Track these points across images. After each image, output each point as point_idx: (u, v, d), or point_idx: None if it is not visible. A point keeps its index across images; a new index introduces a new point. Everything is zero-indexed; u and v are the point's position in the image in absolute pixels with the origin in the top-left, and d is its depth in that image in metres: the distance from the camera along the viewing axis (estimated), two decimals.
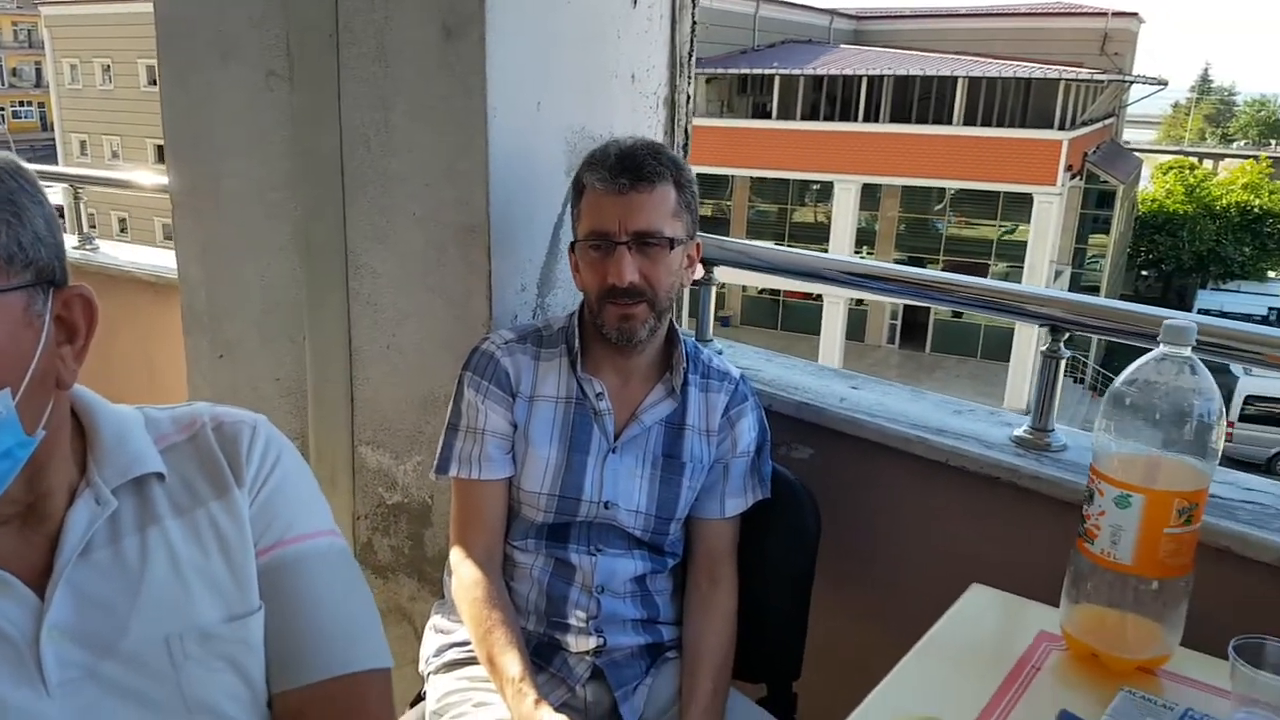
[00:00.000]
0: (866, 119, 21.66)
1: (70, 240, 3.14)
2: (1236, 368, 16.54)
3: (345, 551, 0.98)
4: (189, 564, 0.88)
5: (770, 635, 1.53)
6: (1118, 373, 1.12)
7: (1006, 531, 1.53)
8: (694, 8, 1.98)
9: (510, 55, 1.58)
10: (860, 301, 22.25)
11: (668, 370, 1.49)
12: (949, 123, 21.01)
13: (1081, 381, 20.25)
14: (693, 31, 2.01)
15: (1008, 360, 20.03)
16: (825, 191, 22.60)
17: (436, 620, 1.56)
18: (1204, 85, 70.29)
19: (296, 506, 0.95)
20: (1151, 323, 1.11)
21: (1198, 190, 27.19)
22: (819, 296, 21.87)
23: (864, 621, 1.68)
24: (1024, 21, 26.17)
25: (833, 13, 28.40)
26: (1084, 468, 1.12)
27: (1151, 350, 1.09)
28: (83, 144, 29.99)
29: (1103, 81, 22.92)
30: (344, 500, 1.90)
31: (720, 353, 1.92)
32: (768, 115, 22.87)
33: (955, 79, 20.79)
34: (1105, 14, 25.35)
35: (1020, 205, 20.85)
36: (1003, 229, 21.86)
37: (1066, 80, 20.42)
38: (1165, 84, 25.81)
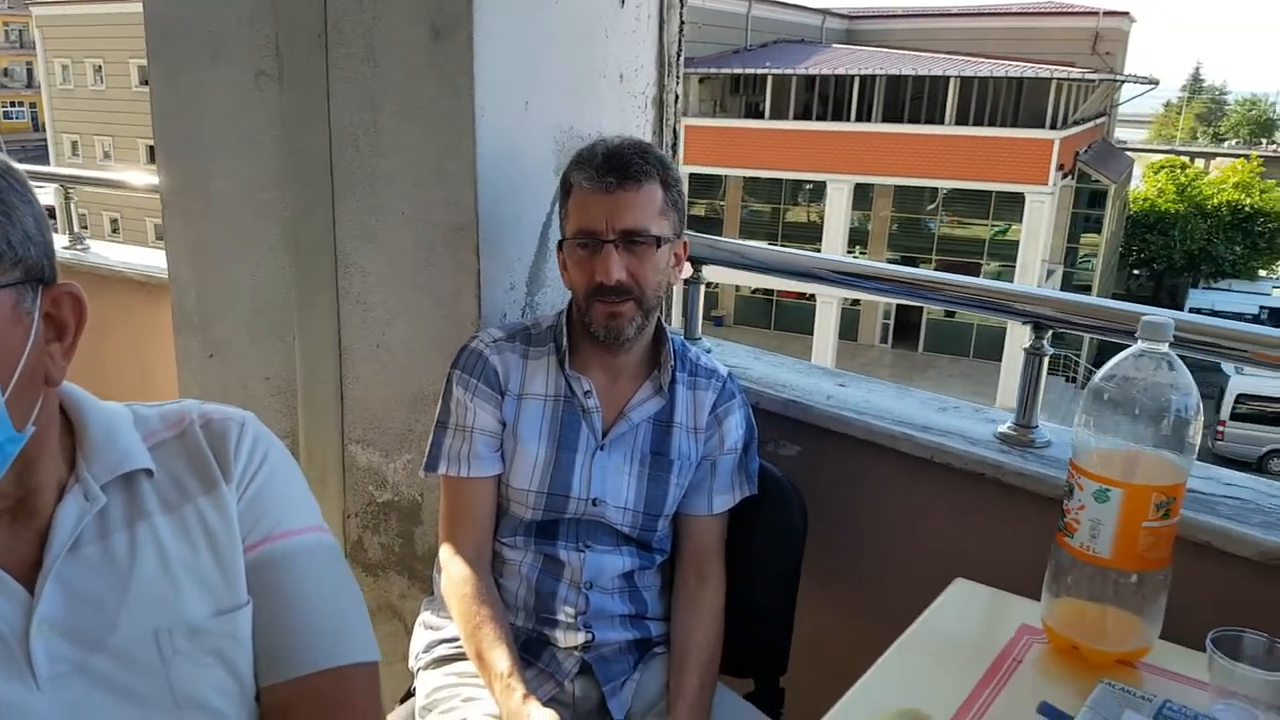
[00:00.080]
0: (859, 119, 21.69)
1: (61, 240, 3.14)
2: (1228, 366, 16.61)
3: (333, 547, 0.99)
4: (177, 560, 0.88)
5: (758, 631, 1.54)
6: None
7: (991, 527, 1.55)
8: (682, 8, 1.99)
9: (498, 55, 1.59)
10: (855, 301, 22.29)
11: (656, 368, 1.50)
12: (941, 122, 21.06)
13: (1073, 380, 20.30)
14: (681, 31, 2.01)
15: (1000, 360, 20.08)
16: (818, 191, 22.63)
17: (426, 617, 1.57)
18: (1195, 84, 70.51)
19: (284, 503, 0.96)
20: (1130, 319, 1.12)
21: (1189, 189, 27.29)
22: (812, 296, 21.91)
23: (850, 617, 1.69)
24: (1016, 21, 26.25)
25: (825, 12, 28.44)
26: (1067, 464, 1.13)
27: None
28: (74, 144, 29.90)
29: (1094, 81, 22.98)
30: (334, 498, 1.91)
31: (709, 351, 1.94)
32: (760, 115, 22.91)
33: (947, 79, 20.84)
34: (1096, 13, 25.42)
35: (1012, 204, 20.91)
36: (995, 228, 21.92)
37: (1058, 80, 20.48)
38: (1156, 83, 25.90)
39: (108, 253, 3.14)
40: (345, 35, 1.66)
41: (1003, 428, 1.59)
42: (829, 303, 21.46)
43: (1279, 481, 1.52)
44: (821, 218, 22.40)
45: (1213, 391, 17.52)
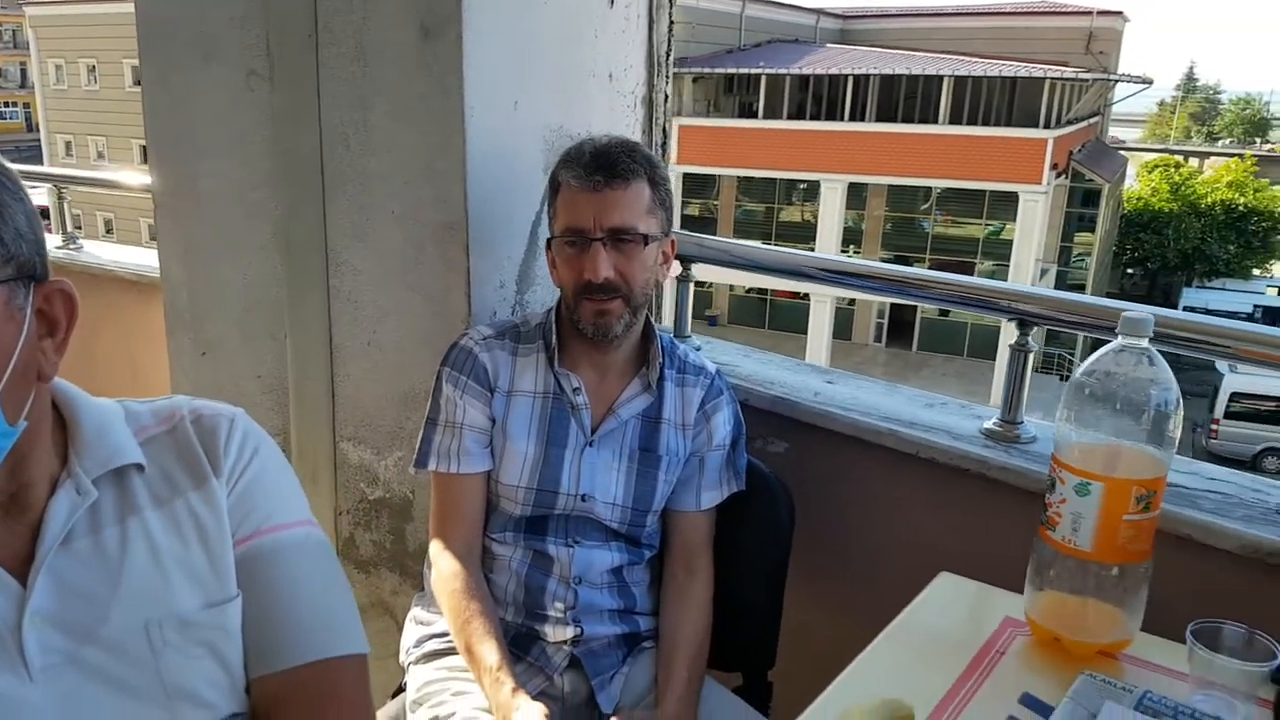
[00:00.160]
0: (853, 118, 21.74)
1: (54, 240, 3.15)
2: (1221, 365, 16.67)
3: (322, 541, 1.00)
4: (168, 553, 0.90)
5: (745, 626, 1.56)
6: None
7: (976, 521, 1.56)
8: (671, 7, 2.00)
9: (487, 55, 1.60)
10: (850, 301, 22.33)
11: (644, 365, 1.52)
12: (935, 122, 21.11)
13: (1067, 379, 20.32)
14: (670, 31, 2.03)
15: (994, 359, 20.11)
16: (812, 191, 22.67)
17: (416, 612, 1.58)
18: (1189, 84, 70.69)
19: (274, 497, 0.97)
20: (1112, 315, 1.14)
21: (1183, 188, 27.36)
22: (806, 296, 21.94)
23: (837, 612, 1.70)
24: (1009, 20, 26.30)
25: (819, 12, 28.48)
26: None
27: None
28: (68, 145, 29.87)
29: (1088, 80, 23.05)
30: (326, 496, 1.92)
31: (698, 349, 1.95)
32: (754, 115, 22.93)
33: (941, 78, 20.88)
34: (1090, 13, 25.49)
35: (1006, 204, 20.96)
36: (989, 228, 21.96)
37: (1051, 79, 20.53)
38: (1150, 83, 25.98)
39: (100, 252, 3.15)
40: (335, 35, 1.67)
41: (988, 424, 1.60)
42: (823, 302, 21.50)
43: (1265, 477, 1.53)
44: (815, 217, 22.43)
45: (1206, 390, 17.58)
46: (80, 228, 3.32)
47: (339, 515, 1.95)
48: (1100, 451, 1.10)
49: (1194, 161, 36.64)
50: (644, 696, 1.46)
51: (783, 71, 22.08)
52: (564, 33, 1.77)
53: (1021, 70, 20.56)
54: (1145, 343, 1.09)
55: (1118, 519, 1.09)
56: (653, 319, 1.54)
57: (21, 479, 0.85)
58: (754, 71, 22.42)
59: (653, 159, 1.46)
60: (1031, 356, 1.56)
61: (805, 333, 21.81)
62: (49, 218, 3.21)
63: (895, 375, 19.27)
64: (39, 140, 31.52)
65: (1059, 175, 21.33)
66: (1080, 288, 22.29)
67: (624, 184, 1.40)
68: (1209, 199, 27.01)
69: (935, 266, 19.90)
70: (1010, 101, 21.16)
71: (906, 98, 21.75)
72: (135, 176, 3.10)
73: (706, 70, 22.53)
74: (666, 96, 2.08)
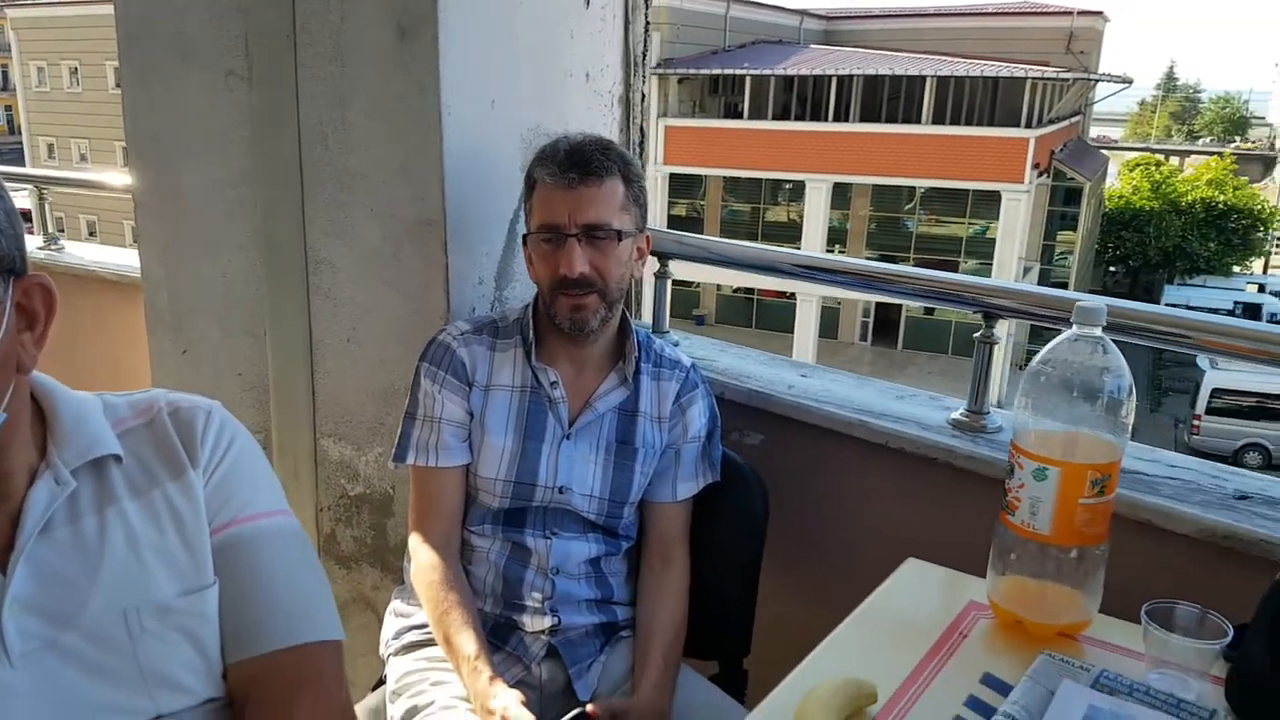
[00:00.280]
0: (837, 119, 21.80)
1: (35, 241, 3.15)
2: (1203, 361, 16.79)
3: (298, 531, 1.02)
4: (146, 542, 0.91)
5: (721, 615, 1.58)
6: None
7: (944, 510, 1.59)
8: (646, 8, 2.03)
9: (464, 55, 1.63)
10: (837, 300, 22.41)
11: (621, 359, 1.54)
12: (918, 122, 21.19)
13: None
14: (646, 32, 2.05)
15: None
16: (797, 191, 22.73)
17: (396, 605, 1.60)
18: (1169, 83, 71.16)
19: (250, 487, 0.99)
20: (1068, 306, 1.17)
21: (1164, 187, 27.54)
22: (792, 295, 22.00)
23: (812, 600, 1.72)
24: (991, 21, 26.41)
25: (803, 13, 28.54)
26: None
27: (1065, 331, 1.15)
28: (50, 147, 29.68)
29: (1069, 80, 23.18)
30: (307, 492, 1.94)
31: (676, 344, 1.98)
32: (739, 115, 22.97)
33: (924, 78, 20.97)
34: (1071, 13, 25.63)
35: (989, 203, 21.06)
36: (973, 227, 22.07)
37: (1033, 79, 20.64)
38: (1130, 82, 26.15)
39: (82, 253, 3.15)
40: (313, 35, 1.69)
41: (955, 414, 1.64)
42: (809, 301, 21.55)
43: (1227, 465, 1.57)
44: (801, 217, 22.49)
45: (1188, 386, 17.70)
46: (63, 230, 3.33)
47: (320, 511, 1.96)
48: (1057, 438, 1.13)
49: (1175, 160, 36.91)
50: (621, 685, 1.48)
51: (767, 72, 22.13)
52: (540, 33, 1.79)
53: (1003, 70, 20.67)
54: (1099, 331, 1.12)
55: (1074, 502, 1.12)
56: (629, 314, 1.57)
57: (1, 469, 0.86)
58: (739, 72, 22.47)
59: (626, 156, 1.49)
60: (995, 348, 1.59)
61: (792, 332, 21.87)
62: (31, 220, 3.21)
63: (881, 373, 19.21)
64: (21, 143, 31.31)
65: (1041, 174, 21.44)
66: (1063, 285, 22.37)
67: (598, 181, 1.43)
68: (1189, 197, 27.18)
69: (919, 265, 19.96)
70: (992, 101, 21.27)
71: (890, 98, 21.84)
72: (118, 177, 3.10)
73: (692, 71, 22.57)
74: (643, 96, 2.11)
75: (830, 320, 23.09)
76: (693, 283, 23.31)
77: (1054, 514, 1.13)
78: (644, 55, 2.08)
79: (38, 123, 30.09)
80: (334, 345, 1.83)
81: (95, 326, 2.92)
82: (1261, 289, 26.90)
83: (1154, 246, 26.50)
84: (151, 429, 0.97)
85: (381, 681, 1.57)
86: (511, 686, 1.35)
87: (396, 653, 1.54)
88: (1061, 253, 24.03)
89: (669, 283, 2.06)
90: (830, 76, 21.73)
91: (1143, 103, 72.22)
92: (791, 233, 22.57)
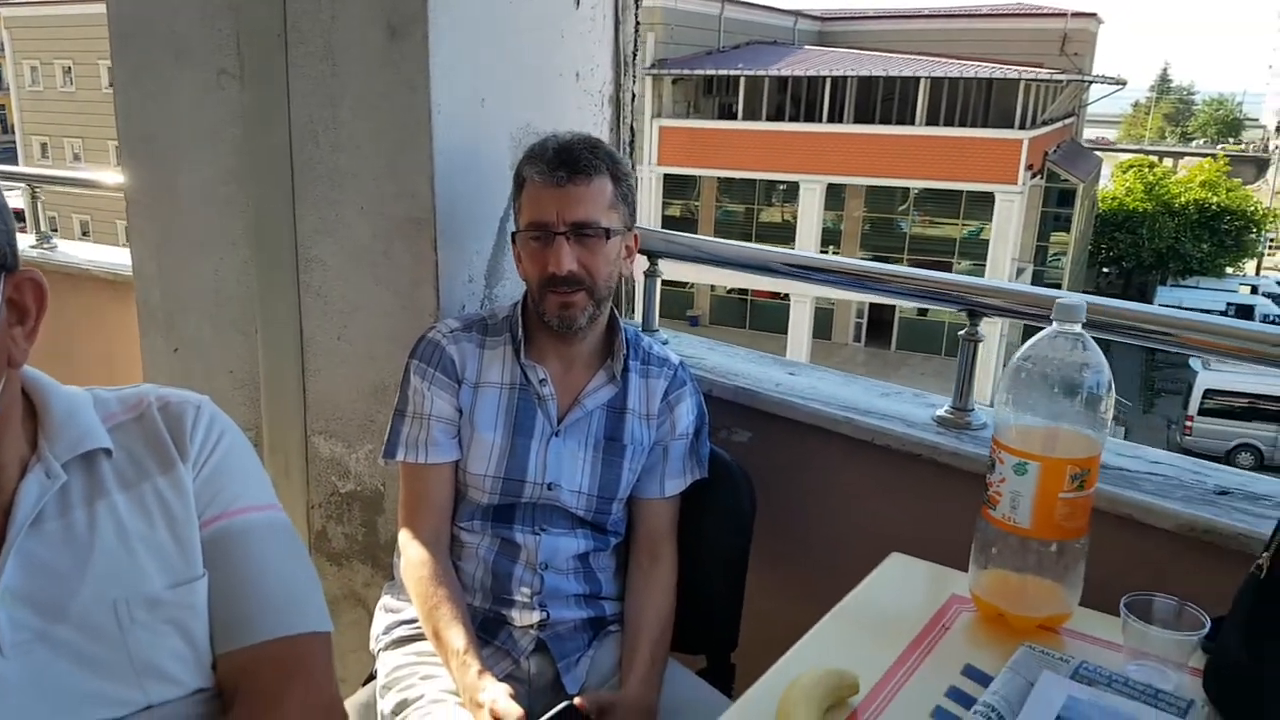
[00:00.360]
0: (831, 119, 21.85)
1: (28, 239, 3.16)
2: (1196, 362, 16.84)
3: (287, 524, 1.03)
4: (135, 534, 0.93)
5: (708, 610, 1.60)
6: None
7: (928, 505, 1.61)
8: (637, 8, 2.04)
9: (453, 54, 1.64)
10: (830, 301, 22.44)
11: (609, 357, 1.55)
12: (912, 123, 21.25)
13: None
14: (636, 32, 2.07)
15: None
16: (791, 192, 22.77)
17: (386, 600, 1.62)
18: (1163, 85, 71.37)
19: (239, 481, 1.00)
20: (1048, 302, 1.18)
21: (1157, 188, 27.62)
22: (786, 296, 22.04)
23: (798, 595, 1.73)
24: (985, 22, 26.50)
25: (797, 14, 28.59)
26: None
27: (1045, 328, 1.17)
28: (44, 146, 29.62)
29: (1062, 81, 23.25)
30: (298, 490, 1.95)
31: (665, 342, 1.99)
32: (734, 116, 23.01)
33: (918, 79, 21.03)
34: (1065, 15, 25.71)
35: (982, 204, 21.11)
36: (966, 228, 22.12)
37: (1027, 80, 20.70)
38: (1124, 84, 26.20)
39: (75, 251, 3.16)
40: (304, 34, 1.70)
41: (940, 411, 1.65)
42: (803, 302, 21.59)
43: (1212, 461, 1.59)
44: (795, 218, 22.53)
45: (1181, 387, 17.75)
46: (56, 229, 3.33)
47: (311, 509, 1.97)
48: (1037, 433, 1.15)
49: (1168, 161, 37.02)
50: (609, 678, 1.49)
51: (761, 73, 22.17)
52: (530, 33, 1.81)
53: (997, 71, 20.73)
54: (1078, 328, 1.14)
55: (1054, 497, 1.14)
56: (618, 313, 1.58)
57: None
58: (733, 73, 22.51)
59: (615, 155, 1.50)
60: (979, 345, 1.61)
61: (786, 333, 21.90)
62: (24, 220, 3.22)
63: (874, 375, 19.06)
64: (14, 142, 31.24)
65: (1034, 175, 21.49)
66: (1056, 286, 22.43)
67: (586, 179, 1.44)
68: (1183, 198, 27.27)
69: (912, 266, 19.98)
70: (986, 102, 21.33)
71: (884, 99, 21.89)
72: (111, 176, 3.12)
73: (686, 72, 22.60)
74: (634, 96, 2.12)
75: (824, 321, 23.13)
76: (687, 284, 23.34)
77: (1034, 508, 1.14)
78: (634, 55, 2.09)
79: (31, 122, 30.03)
80: (325, 343, 1.84)
81: (88, 325, 2.93)
82: (1254, 290, 27.01)
83: (1147, 248, 26.57)
84: (141, 423, 0.98)
85: (372, 676, 1.58)
86: (500, 680, 1.36)
87: (386, 647, 1.55)
88: (1055, 254, 24.09)
89: (658, 281, 2.07)
90: (824, 77, 21.78)
91: (1136, 104, 72.47)
92: (785, 234, 22.58)
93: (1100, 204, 27.97)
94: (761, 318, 23.76)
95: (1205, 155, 34.85)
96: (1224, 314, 21.59)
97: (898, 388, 1.78)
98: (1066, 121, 25.64)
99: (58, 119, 28.93)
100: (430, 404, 1.51)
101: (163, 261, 2.01)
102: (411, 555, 1.50)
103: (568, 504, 1.52)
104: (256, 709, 0.94)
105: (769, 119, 22.49)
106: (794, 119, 22.41)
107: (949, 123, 21.10)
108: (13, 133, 31.92)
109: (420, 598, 1.47)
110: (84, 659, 0.88)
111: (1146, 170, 28.70)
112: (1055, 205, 23.71)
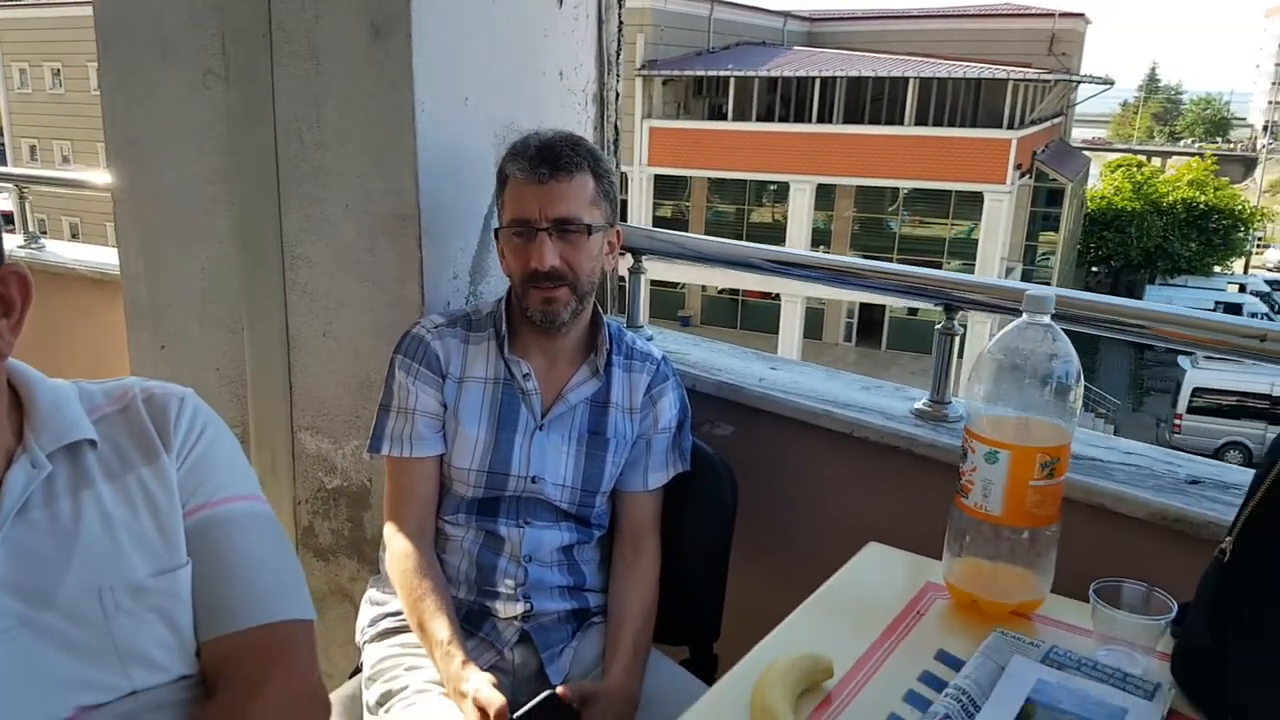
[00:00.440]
0: (821, 120, 21.91)
1: (16, 239, 3.16)
2: (1184, 361, 16.91)
3: (270, 515, 1.05)
4: (120, 523, 0.94)
5: (691, 601, 1.62)
6: None
7: (906, 497, 1.63)
8: (620, 8, 2.06)
9: (437, 52, 1.65)
10: (821, 301, 22.50)
11: (592, 351, 1.57)
12: (901, 123, 21.32)
13: None
14: (620, 31, 2.09)
15: (961, 357, 20.27)
16: (781, 192, 22.82)
17: (371, 593, 1.63)
18: (1151, 84, 71.67)
19: (222, 472, 1.02)
20: (1019, 295, 1.21)
21: (1145, 187, 27.74)
22: (777, 296, 22.08)
23: (779, 586, 1.74)
24: (973, 23, 26.59)
25: (786, 14, 28.66)
26: None
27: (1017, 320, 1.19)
28: (33, 148, 29.50)
29: (1050, 81, 23.35)
30: (285, 486, 1.96)
31: (650, 339, 2.01)
32: (723, 117, 23.05)
33: (907, 80, 21.09)
34: (1053, 15, 25.81)
35: (971, 203, 21.19)
36: (956, 228, 22.19)
37: (1015, 80, 20.78)
38: (1112, 83, 26.36)
39: (63, 251, 3.16)
40: (289, 34, 1.72)
41: (918, 404, 1.68)
42: (793, 302, 21.64)
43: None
44: (785, 218, 22.58)
45: (1170, 385, 17.82)
46: (45, 231, 3.34)
47: (298, 505, 1.99)
48: (1008, 422, 1.17)
49: (1156, 161, 37.17)
50: (592, 669, 1.51)
51: (751, 74, 22.22)
52: (514, 32, 1.82)
53: (985, 71, 20.81)
54: (1047, 319, 1.16)
55: (1024, 485, 1.16)
56: (602, 309, 1.60)
57: None
58: (723, 74, 22.55)
59: (596, 152, 1.52)
60: (957, 339, 1.63)
61: (777, 333, 21.95)
62: (12, 221, 3.22)
63: (865, 374, 19.41)
64: (3, 144, 31.11)
65: (1023, 175, 21.59)
66: (1045, 285, 22.50)
67: (568, 176, 1.46)
68: (1171, 197, 27.41)
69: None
70: (975, 103, 21.41)
71: (873, 99, 21.95)
72: (99, 176, 3.11)
73: (675, 73, 22.63)
74: (617, 95, 2.14)
75: (815, 321, 23.20)
76: (678, 284, 23.37)
77: (1005, 496, 1.17)
78: (617, 54, 2.11)
79: (20, 124, 29.90)
80: (310, 339, 1.86)
81: (76, 324, 2.93)
82: (1242, 289, 27.14)
83: (1136, 247, 26.69)
84: (126, 415, 0.99)
85: (358, 669, 1.60)
86: (484, 670, 1.38)
87: (371, 639, 1.56)
88: (1044, 253, 24.18)
89: (643, 278, 2.09)
90: (814, 78, 21.84)
91: (1125, 104, 72.77)
92: (776, 234, 22.64)
93: (1089, 203, 28.09)
94: (753, 318, 23.81)
95: (1193, 154, 35.01)
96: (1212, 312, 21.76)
97: (878, 382, 1.81)
98: (1055, 121, 25.75)
99: (46, 121, 28.82)
100: (415, 399, 1.52)
101: (149, 259, 2.02)
102: (396, 548, 1.52)
103: (551, 497, 1.54)
104: (240, 695, 0.96)
105: (759, 119, 22.54)
106: (784, 119, 22.45)
107: (938, 123, 21.17)
108: (1, 135, 31.79)
109: (405, 590, 1.48)
110: (69, 645, 0.90)
111: (1135, 169, 28.83)
112: (1044, 205, 23.81)
